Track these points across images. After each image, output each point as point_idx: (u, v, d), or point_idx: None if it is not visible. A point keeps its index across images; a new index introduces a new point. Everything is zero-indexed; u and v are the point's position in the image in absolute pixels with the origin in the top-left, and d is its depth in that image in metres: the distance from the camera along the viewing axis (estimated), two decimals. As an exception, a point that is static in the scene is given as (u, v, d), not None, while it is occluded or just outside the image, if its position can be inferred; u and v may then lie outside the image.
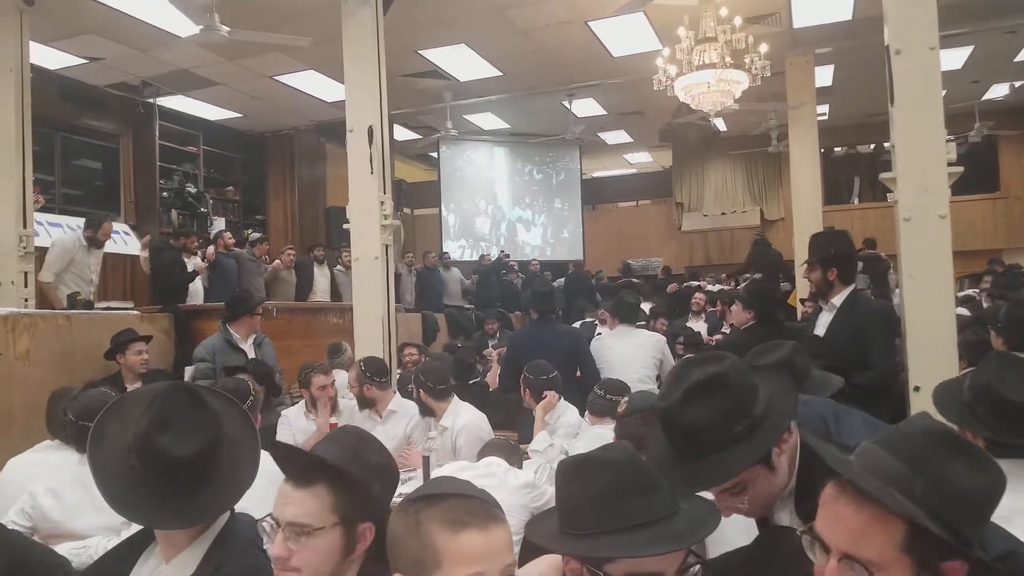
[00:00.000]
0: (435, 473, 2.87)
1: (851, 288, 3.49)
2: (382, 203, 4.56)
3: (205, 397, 1.60)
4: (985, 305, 6.31)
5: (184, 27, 7.45)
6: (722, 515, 1.32)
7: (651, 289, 10.58)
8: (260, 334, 5.05)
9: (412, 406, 3.94)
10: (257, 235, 9.08)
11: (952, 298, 3.46)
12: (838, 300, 3.44)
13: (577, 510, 1.22)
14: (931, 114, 3.43)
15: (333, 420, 3.91)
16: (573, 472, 1.26)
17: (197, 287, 7.38)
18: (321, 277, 9.28)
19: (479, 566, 1.10)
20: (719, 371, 1.38)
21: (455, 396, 3.80)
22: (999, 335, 3.43)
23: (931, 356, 3.28)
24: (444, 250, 12.29)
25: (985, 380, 1.84)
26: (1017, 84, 10.33)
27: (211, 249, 7.79)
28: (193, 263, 7.38)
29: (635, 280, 11.55)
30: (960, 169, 3.45)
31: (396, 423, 3.93)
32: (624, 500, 1.19)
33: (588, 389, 4.39)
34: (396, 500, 1.44)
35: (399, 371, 4.90)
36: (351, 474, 1.38)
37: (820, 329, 3.51)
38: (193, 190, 10.53)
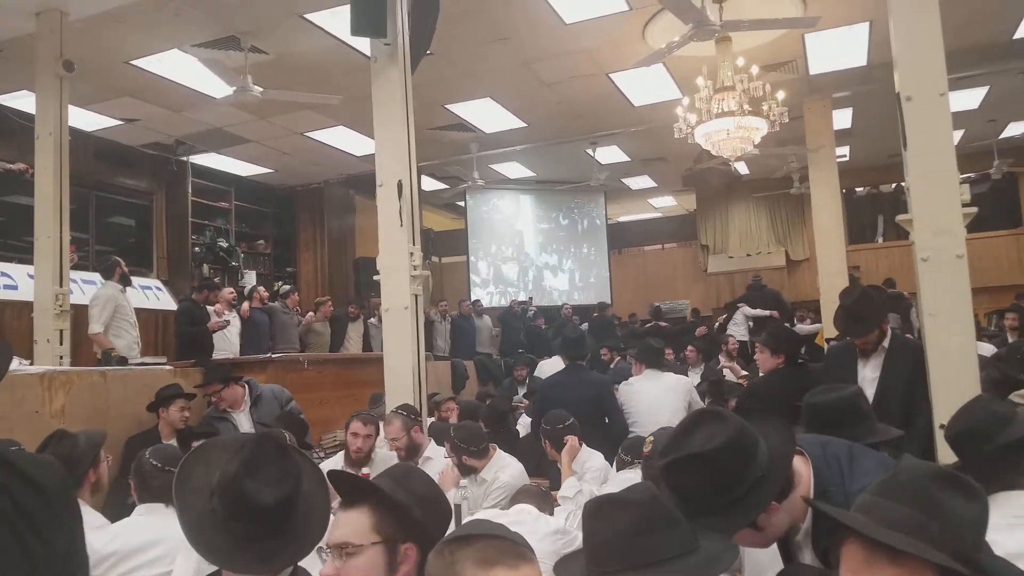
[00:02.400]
0: (466, 520, 2.92)
1: (892, 331, 3.67)
2: (411, 254, 4.69)
3: (289, 449, 1.67)
4: (1011, 340, 6.29)
5: (217, 87, 7.80)
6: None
7: (679, 331, 10.59)
8: (259, 389, 5.01)
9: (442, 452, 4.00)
10: (287, 287, 9.28)
11: (973, 336, 3.49)
12: (885, 343, 3.60)
13: (601, 548, 1.29)
14: (944, 158, 3.52)
15: (365, 471, 3.82)
16: (597, 511, 1.34)
17: (230, 342, 7.43)
18: (353, 331, 9.45)
19: None
20: (706, 450, 1.44)
21: (496, 448, 3.84)
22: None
23: (954, 393, 3.30)
24: (475, 298, 12.44)
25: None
26: (1034, 121, 10.39)
27: (245, 305, 7.94)
28: (226, 316, 7.46)
29: (663, 324, 11.58)
30: (975, 210, 3.52)
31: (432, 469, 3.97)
32: (645, 537, 1.26)
33: (616, 436, 4.49)
34: None
35: (432, 420, 4.98)
36: (390, 494, 1.47)
37: (870, 372, 3.62)
38: (225, 244, 10.80)
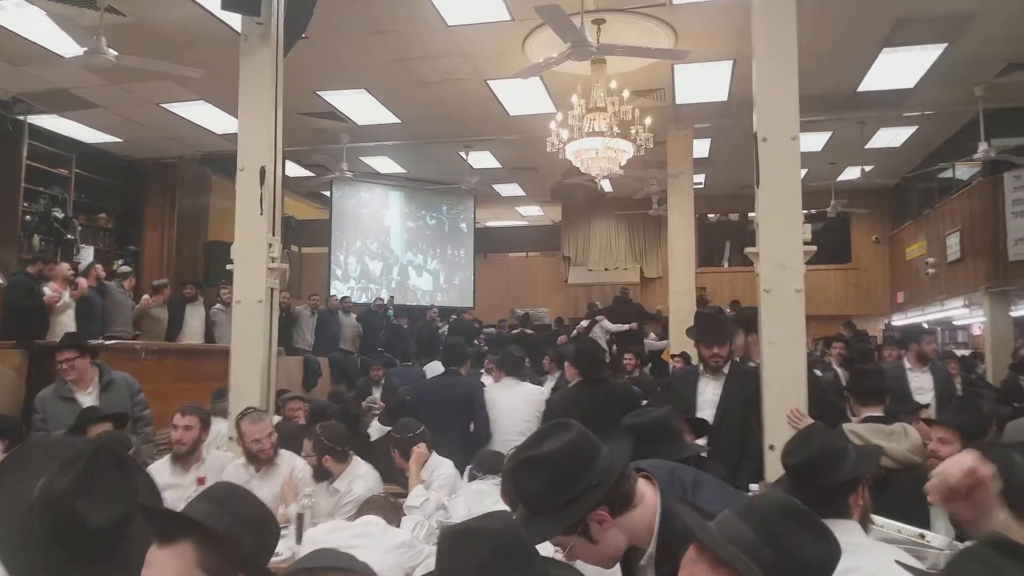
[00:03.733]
0: (309, 532, 2.81)
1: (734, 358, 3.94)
2: (270, 245, 4.47)
3: (127, 463, 1.52)
4: (836, 367, 6.88)
5: (66, 45, 7.15)
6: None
7: (542, 340, 10.78)
8: (111, 375, 4.61)
9: (291, 456, 3.83)
10: (127, 268, 8.63)
11: (804, 363, 3.76)
12: (726, 369, 3.87)
13: None
14: (790, 197, 3.77)
15: (201, 474, 3.63)
16: (453, 542, 1.32)
17: (66, 322, 6.81)
18: (193, 317, 8.84)
19: None
20: (541, 453, 1.53)
21: (354, 456, 3.73)
22: (851, 393, 3.83)
23: (784, 417, 3.54)
24: (341, 294, 12.10)
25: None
26: (867, 168, 11.45)
27: (83, 282, 7.30)
28: (63, 295, 6.84)
29: (528, 331, 11.75)
30: (814, 248, 3.79)
31: (276, 477, 3.80)
32: (500, 572, 1.26)
33: (477, 441, 4.55)
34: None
35: (279, 419, 4.77)
36: (215, 528, 1.32)
37: (711, 394, 3.85)
38: (60, 215, 9.85)
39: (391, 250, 14.17)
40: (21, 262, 8.06)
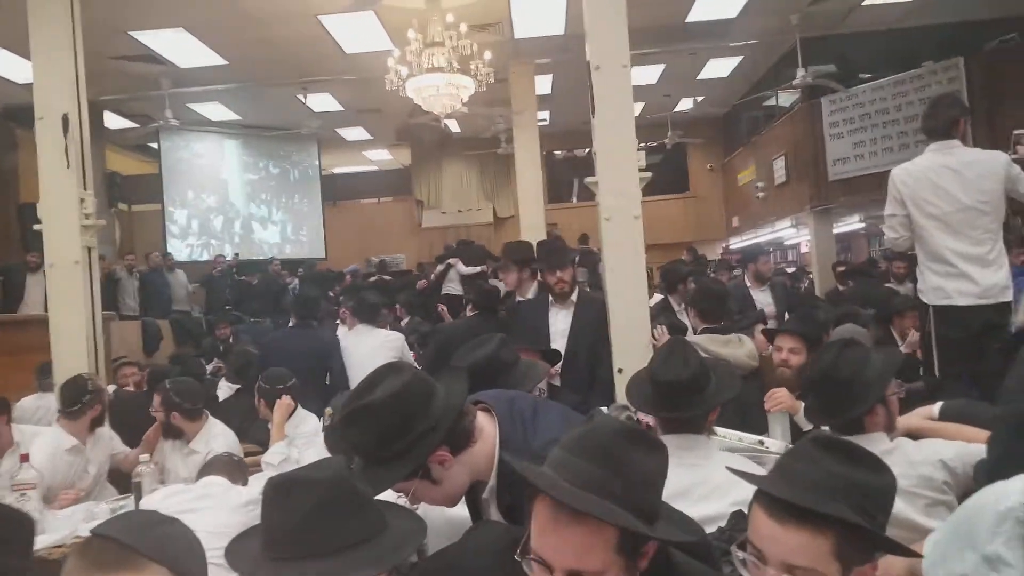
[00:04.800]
0: (147, 498, 2.64)
1: (578, 285, 4.09)
2: (82, 200, 4.08)
3: None
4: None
5: None
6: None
7: (401, 286, 10.65)
8: None
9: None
10: None
11: (645, 287, 3.92)
12: (574, 297, 3.98)
13: (282, 535, 1.21)
14: (625, 125, 3.84)
15: (24, 452, 3.31)
16: (278, 494, 1.25)
17: None
18: (35, 286, 8.09)
19: None
20: (372, 401, 1.48)
21: (209, 415, 3.53)
22: (691, 308, 4.06)
23: (630, 340, 3.68)
24: (168, 251, 11.31)
25: (650, 366, 2.15)
26: (699, 99, 11.98)
27: None
28: None
29: (386, 277, 11.55)
30: (649, 175, 3.91)
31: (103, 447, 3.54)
32: (329, 523, 1.20)
33: (334, 392, 4.44)
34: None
35: (113, 389, 4.44)
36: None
37: (561, 323, 3.94)
38: None
39: (231, 203, 13.40)
40: None
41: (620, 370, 3.67)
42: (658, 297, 5.65)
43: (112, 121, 11.54)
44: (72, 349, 3.95)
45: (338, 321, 6.81)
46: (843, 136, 9.73)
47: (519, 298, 4.58)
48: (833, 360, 2.06)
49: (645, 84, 10.89)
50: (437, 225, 15.04)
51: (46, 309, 7.76)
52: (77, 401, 3.37)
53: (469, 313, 5.09)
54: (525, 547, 1.14)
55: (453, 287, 10.52)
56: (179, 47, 8.65)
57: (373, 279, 11.54)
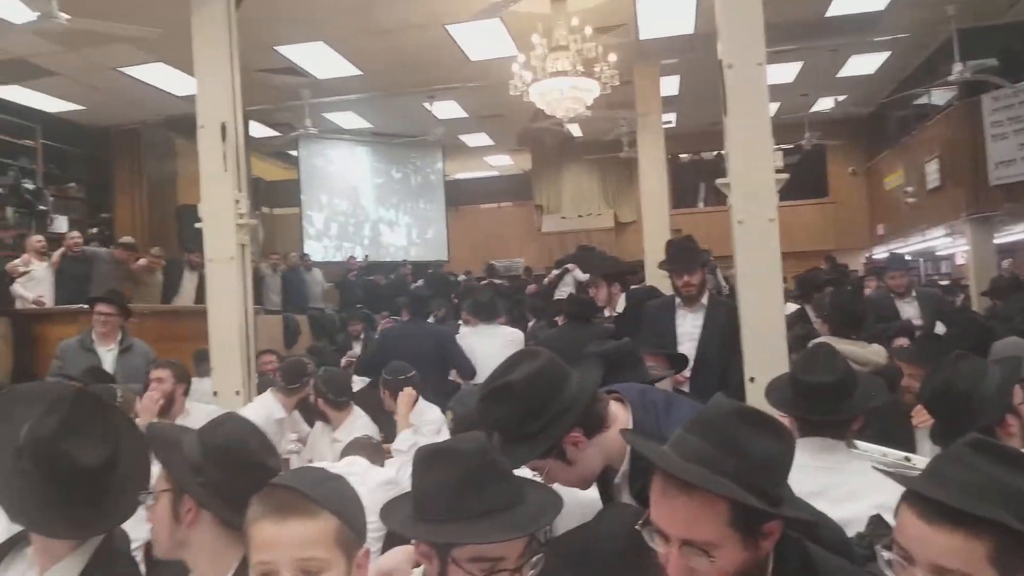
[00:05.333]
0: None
1: (711, 289, 4.06)
2: (237, 201, 4.40)
3: (110, 407, 1.58)
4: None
5: (17, 11, 6.88)
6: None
7: (512, 290, 10.80)
8: (131, 340, 4.78)
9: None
10: (129, 240, 8.58)
11: (781, 295, 3.79)
12: (704, 300, 3.90)
13: (429, 497, 1.29)
14: (759, 124, 3.75)
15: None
16: (427, 460, 1.34)
17: (44, 291, 6.82)
18: (188, 281, 8.85)
19: (267, 555, 1.17)
20: (510, 381, 1.56)
21: (356, 408, 3.75)
22: (825, 322, 3.87)
23: (763, 348, 3.57)
24: (305, 251, 12.00)
25: (794, 368, 2.11)
26: (840, 98, 11.37)
27: (56, 255, 7.29)
28: (35, 266, 6.83)
29: (497, 281, 11.74)
30: (786, 176, 3.78)
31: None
32: (472, 490, 1.27)
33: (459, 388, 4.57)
34: None
35: (257, 376, 4.76)
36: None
37: (690, 327, 3.88)
38: (31, 186, 9.75)
39: (362, 206, 14.02)
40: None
41: (752, 379, 3.57)
42: (792, 307, 5.45)
43: (256, 130, 12.33)
44: (227, 338, 4.26)
45: (460, 322, 7.01)
46: (1007, 136, 8.96)
47: (608, 313, 4.54)
48: (947, 376, 1.99)
49: (781, 83, 10.46)
50: (556, 230, 15.10)
51: (196, 302, 8.57)
52: (297, 380, 3.72)
53: (560, 322, 5.10)
54: (647, 519, 1.19)
55: (568, 292, 10.54)
56: (319, 60, 9.14)
57: (484, 283, 11.72)
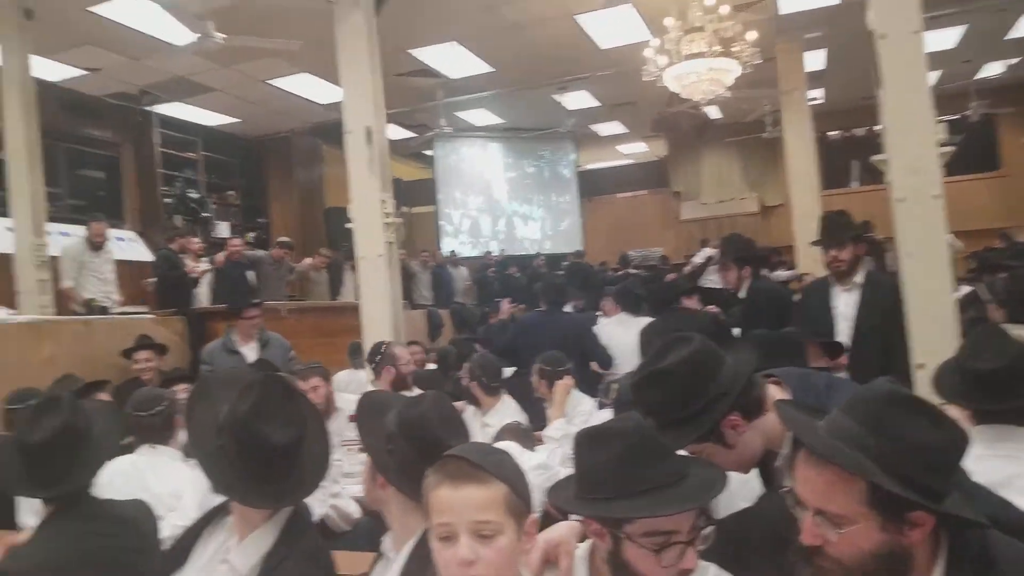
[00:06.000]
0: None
1: (869, 267, 3.73)
2: (383, 201, 4.63)
3: (295, 391, 1.75)
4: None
5: (179, 35, 7.51)
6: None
7: (649, 279, 10.65)
8: (269, 335, 5.14)
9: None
10: (286, 239, 9.16)
11: (949, 275, 3.51)
12: (859, 278, 3.61)
13: (595, 476, 1.33)
14: (918, 96, 3.48)
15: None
16: (592, 440, 1.37)
17: (203, 292, 7.45)
18: (349, 279, 9.31)
19: (446, 517, 1.24)
20: (665, 366, 1.56)
21: (505, 396, 3.84)
22: (1000, 307, 3.54)
23: (931, 333, 3.33)
24: (450, 248, 12.44)
25: (958, 354, 1.94)
26: (1011, 62, 10.31)
27: (220, 255, 7.89)
28: (202, 265, 7.46)
29: (633, 271, 11.61)
30: (951, 148, 3.51)
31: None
32: (640, 466, 1.30)
33: (599, 376, 4.55)
34: None
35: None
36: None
37: (844, 307, 3.62)
38: (195, 195, 10.63)
39: (496, 201, 14.25)
40: (165, 242, 8.73)
41: (921, 365, 3.34)
42: (965, 289, 5.03)
43: (393, 132, 12.81)
44: (379, 331, 4.49)
45: (598, 313, 6.97)
46: None
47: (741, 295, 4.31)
48: None
49: (940, 50, 9.57)
50: (696, 217, 14.70)
51: (357, 298, 9.06)
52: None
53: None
54: (791, 489, 1.22)
55: (713, 280, 10.32)
56: (452, 59, 9.37)
57: (619, 273, 11.60)
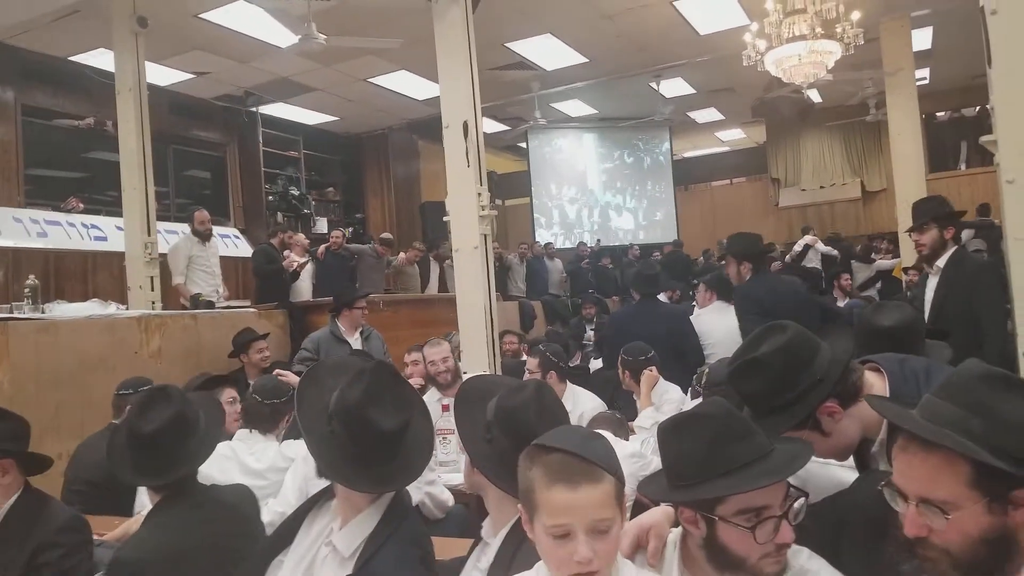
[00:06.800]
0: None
1: (955, 248, 3.56)
2: (479, 195, 4.76)
3: (403, 379, 1.81)
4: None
5: (282, 37, 7.89)
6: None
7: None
8: (368, 327, 5.34)
9: None
10: (388, 236, 9.58)
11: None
12: (942, 262, 3.53)
13: (683, 462, 1.35)
14: (1032, 73, 3.33)
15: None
16: (675, 429, 1.40)
17: (304, 285, 7.70)
18: (432, 272, 9.74)
19: (565, 518, 1.24)
20: (761, 355, 1.57)
21: (569, 382, 3.91)
22: None
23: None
24: (548, 240, 12.54)
25: None
26: None
27: (321, 248, 8.24)
28: (299, 260, 7.71)
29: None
30: (1066, 127, 3.34)
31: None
32: (724, 447, 1.32)
33: (693, 367, 4.52)
34: None
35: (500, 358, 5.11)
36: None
37: (928, 293, 3.55)
38: (296, 193, 11.12)
39: (590, 191, 14.25)
40: (268, 236, 9.12)
41: (1024, 353, 3.21)
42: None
43: (488, 126, 12.99)
44: (474, 322, 4.64)
45: (693, 303, 6.91)
46: None
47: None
48: None
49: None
50: (796, 204, 14.28)
51: (439, 291, 9.31)
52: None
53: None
54: (889, 480, 1.20)
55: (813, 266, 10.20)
56: (547, 51, 9.45)
57: (722, 262, 11.43)
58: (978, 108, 12.85)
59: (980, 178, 12.15)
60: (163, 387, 2.19)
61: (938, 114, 13.49)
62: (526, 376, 3.84)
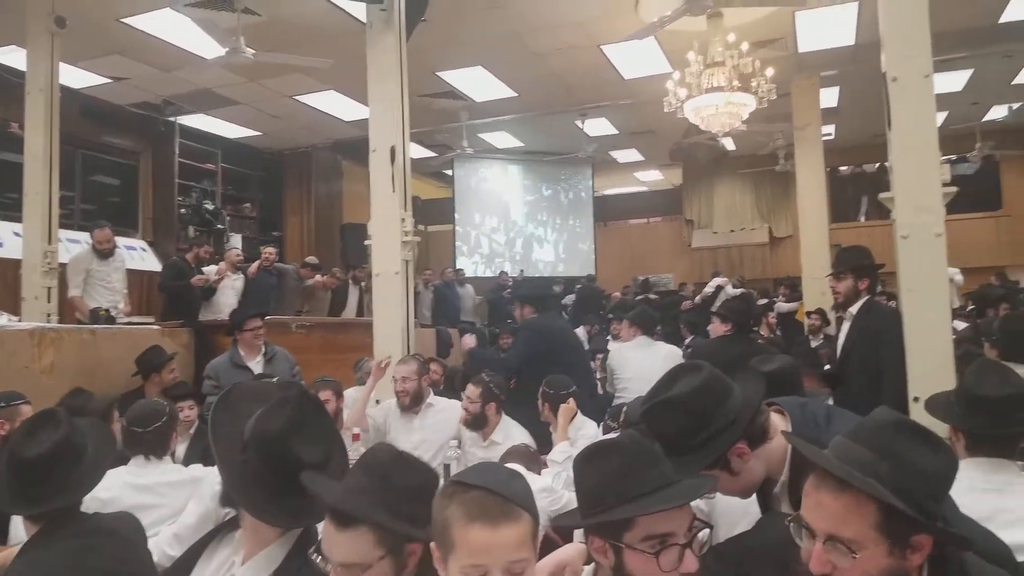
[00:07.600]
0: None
1: (867, 298, 3.79)
2: (403, 220, 4.74)
3: (324, 408, 1.74)
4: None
5: (208, 48, 7.71)
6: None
7: (668, 305, 10.80)
8: (273, 347, 5.06)
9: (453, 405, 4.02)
10: (314, 260, 9.30)
11: (948, 311, 3.61)
12: (855, 309, 3.74)
13: (594, 489, 1.38)
14: (926, 138, 3.60)
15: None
16: (589, 458, 1.43)
17: (226, 300, 7.39)
18: (351, 296, 9.52)
19: (481, 559, 1.21)
20: (674, 396, 1.60)
21: (505, 416, 3.86)
22: (993, 347, 3.62)
23: (928, 367, 3.42)
24: (459, 267, 12.50)
25: (964, 382, 2.05)
26: (1015, 106, 10.50)
27: (254, 266, 7.95)
28: (231, 277, 7.47)
29: (652, 296, 11.73)
30: (954, 189, 3.62)
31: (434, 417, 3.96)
32: (633, 473, 1.36)
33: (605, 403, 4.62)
34: None
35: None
36: (386, 521, 1.40)
37: (841, 337, 3.79)
38: (211, 206, 10.71)
39: (513, 222, 14.40)
40: (179, 251, 8.79)
41: (916, 399, 3.43)
42: (960, 325, 5.12)
43: (415, 151, 12.95)
44: (391, 348, 4.58)
45: (609, 336, 7.04)
46: None
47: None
48: None
49: (948, 92, 9.80)
50: (708, 245, 14.84)
51: (357, 315, 9.13)
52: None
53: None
54: (797, 515, 1.25)
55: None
56: (477, 83, 9.56)
57: (639, 298, 11.73)
58: (878, 165, 13.74)
59: (878, 230, 12.89)
60: (51, 411, 2.03)
61: (841, 168, 14.34)
62: (464, 403, 3.80)
